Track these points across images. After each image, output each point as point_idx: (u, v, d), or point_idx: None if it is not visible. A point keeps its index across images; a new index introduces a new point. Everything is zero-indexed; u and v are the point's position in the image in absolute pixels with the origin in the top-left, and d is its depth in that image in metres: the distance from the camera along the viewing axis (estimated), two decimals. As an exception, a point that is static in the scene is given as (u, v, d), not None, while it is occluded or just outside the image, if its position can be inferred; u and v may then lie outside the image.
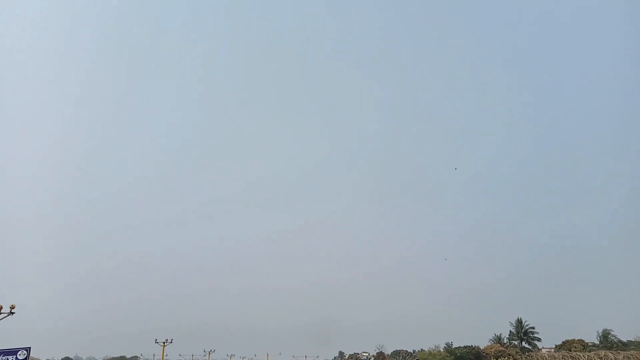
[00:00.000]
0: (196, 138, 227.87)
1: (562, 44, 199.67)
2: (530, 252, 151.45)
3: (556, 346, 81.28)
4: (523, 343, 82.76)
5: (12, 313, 33.99)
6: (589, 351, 70.87)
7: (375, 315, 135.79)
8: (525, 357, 74.74)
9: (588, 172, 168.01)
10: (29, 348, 33.40)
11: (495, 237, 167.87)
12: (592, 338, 79.31)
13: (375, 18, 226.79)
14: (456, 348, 79.12)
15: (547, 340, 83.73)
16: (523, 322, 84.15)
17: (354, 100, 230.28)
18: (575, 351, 71.86)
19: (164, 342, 73.54)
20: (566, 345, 76.88)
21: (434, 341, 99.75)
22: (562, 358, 69.06)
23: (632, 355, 62.75)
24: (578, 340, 77.05)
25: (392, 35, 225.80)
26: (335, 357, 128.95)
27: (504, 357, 73.60)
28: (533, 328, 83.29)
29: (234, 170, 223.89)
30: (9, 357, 32.25)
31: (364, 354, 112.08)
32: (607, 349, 71.42)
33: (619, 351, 66.70)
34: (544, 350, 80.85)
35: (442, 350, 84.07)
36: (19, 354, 32.48)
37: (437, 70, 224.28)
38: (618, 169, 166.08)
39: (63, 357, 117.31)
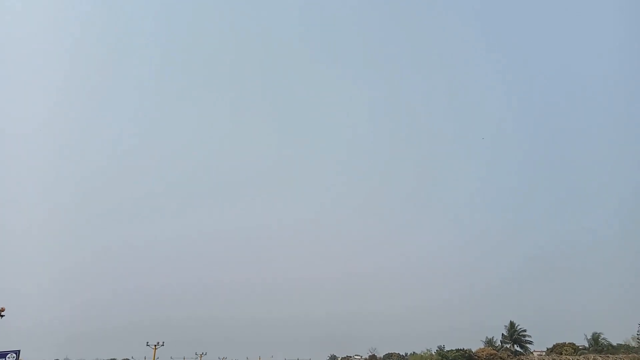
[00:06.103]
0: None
1: (558, 46, 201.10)
2: (523, 258, 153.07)
3: (547, 349, 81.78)
4: (515, 346, 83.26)
5: (2, 316, 33.63)
6: (580, 354, 71.41)
7: (368, 317, 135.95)
8: (517, 360, 75.14)
9: (581, 182, 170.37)
10: (19, 351, 33.08)
11: (492, 245, 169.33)
12: (582, 341, 79.96)
13: (364, 20, 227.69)
14: (448, 351, 79.20)
15: (539, 344, 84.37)
16: (515, 325, 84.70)
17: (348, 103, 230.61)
18: (566, 354, 72.43)
19: (155, 345, 73.07)
20: (557, 349, 77.41)
21: (427, 344, 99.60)
22: (552, 361, 69.49)
23: (621, 358, 63.38)
24: (569, 343, 77.59)
25: (384, 38, 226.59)
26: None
27: (496, 360, 73.85)
28: (525, 331, 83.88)
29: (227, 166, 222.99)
30: (-3, 360, 31.93)
31: (356, 356, 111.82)
32: (598, 352, 72.05)
33: (609, 355, 67.34)
34: (535, 354, 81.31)
35: (433, 353, 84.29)
36: (8, 357, 32.16)
37: (429, 73, 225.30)
38: (611, 179, 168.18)
39: (53, 359, 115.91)
